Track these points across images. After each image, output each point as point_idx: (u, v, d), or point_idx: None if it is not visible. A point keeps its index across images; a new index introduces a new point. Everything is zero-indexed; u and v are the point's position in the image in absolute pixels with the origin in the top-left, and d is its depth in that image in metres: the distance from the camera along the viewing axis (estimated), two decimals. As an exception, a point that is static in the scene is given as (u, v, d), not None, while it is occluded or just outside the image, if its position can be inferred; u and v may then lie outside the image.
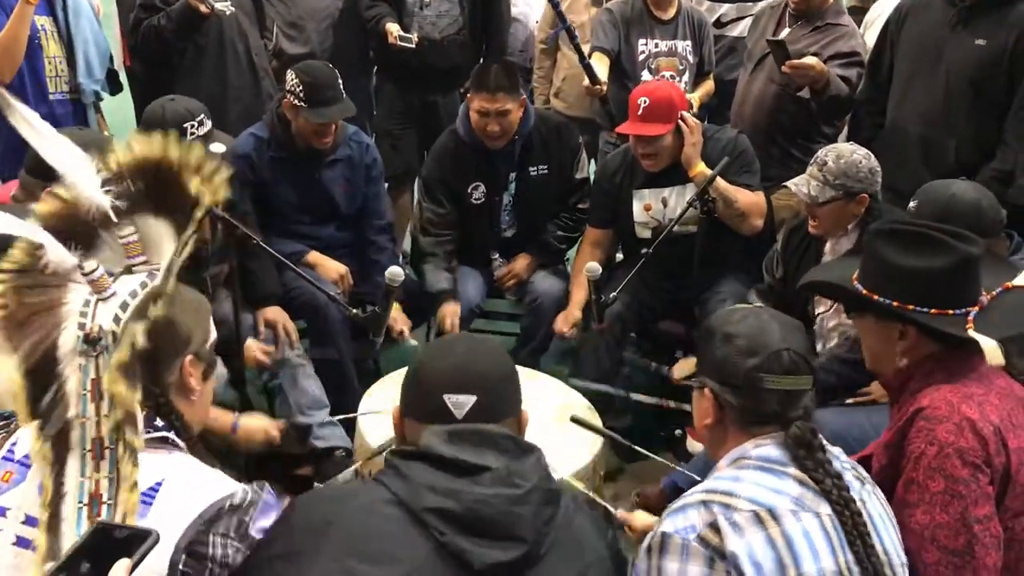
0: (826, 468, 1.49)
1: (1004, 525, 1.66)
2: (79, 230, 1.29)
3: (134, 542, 1.01)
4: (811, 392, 1.57)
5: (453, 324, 3.34)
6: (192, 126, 2.91)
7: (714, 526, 1.41)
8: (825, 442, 1.55)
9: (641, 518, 1.95)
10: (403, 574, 1.26)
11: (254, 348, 2.98)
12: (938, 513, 1.62)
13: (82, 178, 1.27)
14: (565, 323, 3.39)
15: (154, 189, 1.30)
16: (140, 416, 1.25)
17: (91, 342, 1.21)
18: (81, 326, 1.22)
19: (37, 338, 1.23)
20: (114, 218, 1.27)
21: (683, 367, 2.86)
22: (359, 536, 1.30)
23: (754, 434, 1.55)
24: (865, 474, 1.60)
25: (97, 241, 1.30)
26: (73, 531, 1.17)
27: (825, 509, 1.46)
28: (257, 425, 2.39)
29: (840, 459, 1.56)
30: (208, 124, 2.99)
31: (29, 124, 1.27)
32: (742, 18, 4.28)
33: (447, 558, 1.27)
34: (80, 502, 1.18)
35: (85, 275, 1.24)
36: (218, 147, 2.98)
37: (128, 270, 1.29)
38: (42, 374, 1.22)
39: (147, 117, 2.99)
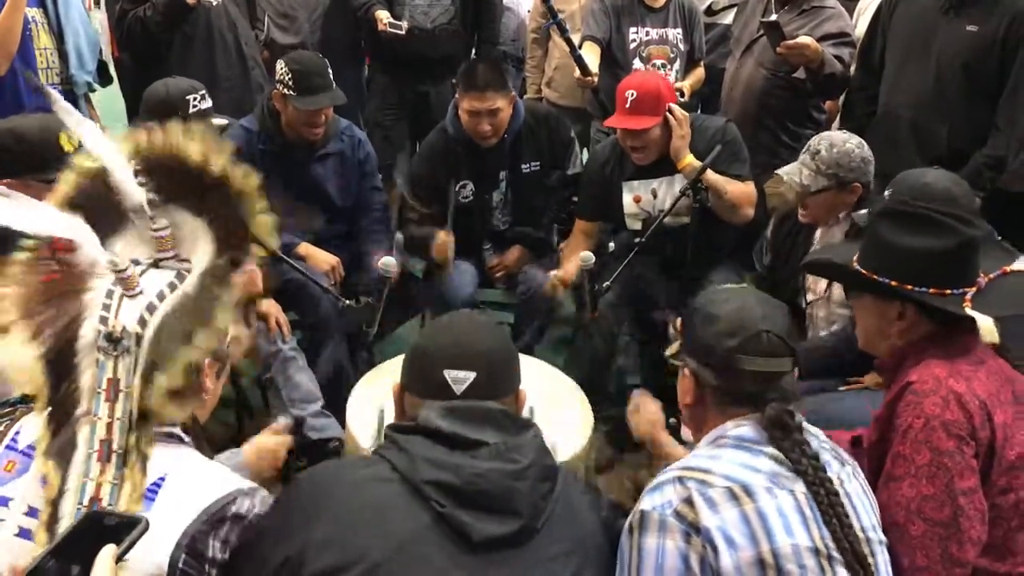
0: (802, 449, 1.50)
1: (990, 501, 1.69)
2: (109, 213, 1.26)
3: (123, 530, 1.01)
4: (790, 374, 1.58)
5: (449, 247, 3.35)
6: (195, 99, 2.94)
7: (689, 501, 1.43)
8: (804, 423, 1.56)
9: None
10: (401, 544, 1.28)
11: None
12: (924, 485, 1.64)
13: (118, 168, 1.24)
14: (560, 274, 3.29)
15: (195, 189, 1.27)
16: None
17: (113, 341, 1.17)
18: (103, 320, 1.19)
19: (59, 324, 1.20)
20: (148, 211, 1.24)
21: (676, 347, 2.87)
22: (356, 506, 1.32)
23: (731, 415, 1.56)
24: (846, 456, 1.61)
25: (126, 226, 1.27)
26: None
27: (800, 487, 1.47)
28: (266, 450, 2.09)
29: (819, 439, 1.58)
30: (209, 100, 3.00)
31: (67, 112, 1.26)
32: (733, 6, 4.28)
33: (446, 530, 1.29)
34: (80, 503, 1.15)
35: (116, 272, 1.20)
36: (220, 121, 2.98)
37: (155, 264, 1.26)
38: (60, 363, 1.19)
39: (148, 97, 2.99)
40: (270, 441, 2.09)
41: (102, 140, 1.24)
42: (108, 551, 0.96)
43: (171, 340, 1.19)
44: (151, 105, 2.93)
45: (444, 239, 3.36)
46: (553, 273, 3.32)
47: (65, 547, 0.98)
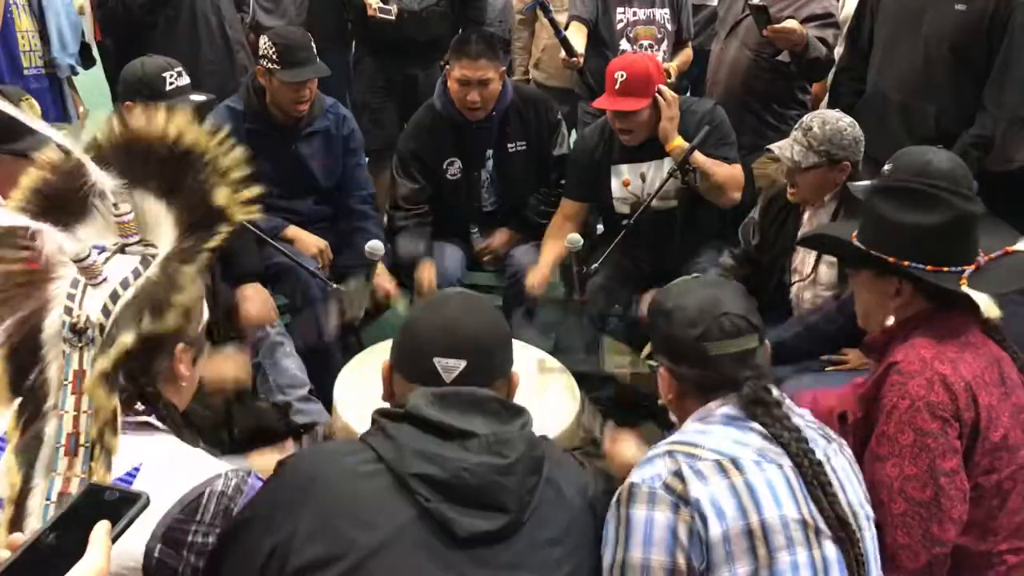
0: (784, 423, 1.51)
1: (974, 481, 1.71)
2: (72, 199, 1.22)
3: (123, 505, 0.96)
4: (761, 349, 1.59)
5: (431, 285, 3.31)
6: (171, 76, 2.90)
7: (679, 474, 1.43)
8: (789, 401, 1.57)
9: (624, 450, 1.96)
10: (386, 537, 1.26)
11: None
12: (907, 465, 1.66)
13: (83, 155, 1.19)
14: (535, 279, 3.33)
15: (160, 169, 1.22)
16: (119, 416, 1.17)
17: (77, 332, 1.14)
18: (68, 311, 1.15)
19: (23, 314, 1.16)
20: (111, 197, 1.19)
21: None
22: (343, 497, 1.30)
23: (712, 399, 1.57)
24: (833, 435, 1.62)
25: (91, 211, 1.23)
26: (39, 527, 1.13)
27: (787, 461, 1.48)
28: (223, 366, 2.19)
29: (805, 418, 1.59)
30: (187, 78, 2.97)
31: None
32: (720, -14, 4.26)
33: (431, 525, 1.28)
34: (48, 499, 1.11)
35: (77, 261, 1.16)
36: (198, 98, 2.95)
37: (121, 249, 1.22)
38: (24, 354, 1.15)
39: (125, 75, 2.95)
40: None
41: (57, 132, 1.19)
42: (102, 528, 0.91)
43: (120, 325, 1.15)
44: (129, 84, 2.90)
45: (427, 270, 3.34)
46: (529, 277, 3.33)
47: (65, 522, 0.94)
